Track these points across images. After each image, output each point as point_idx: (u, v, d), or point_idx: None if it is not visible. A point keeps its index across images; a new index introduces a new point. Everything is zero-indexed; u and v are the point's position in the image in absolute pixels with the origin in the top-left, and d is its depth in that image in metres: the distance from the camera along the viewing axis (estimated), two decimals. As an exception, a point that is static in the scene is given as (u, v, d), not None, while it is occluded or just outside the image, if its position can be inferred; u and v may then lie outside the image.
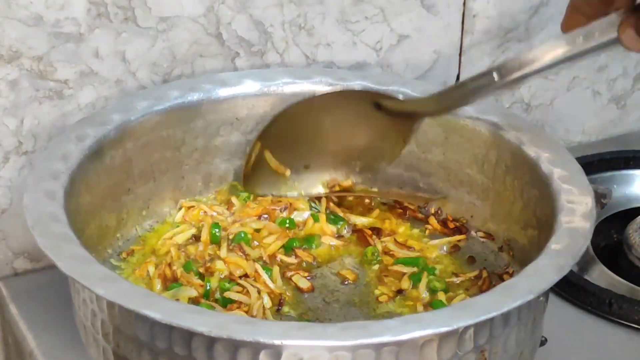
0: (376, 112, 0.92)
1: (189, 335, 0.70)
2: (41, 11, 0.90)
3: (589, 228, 0.78)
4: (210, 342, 0.70)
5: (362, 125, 0.94)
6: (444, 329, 0.69)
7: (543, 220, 0.83)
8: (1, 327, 0.97)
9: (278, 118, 0.94)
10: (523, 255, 0.88)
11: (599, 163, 1.09)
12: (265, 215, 0.94)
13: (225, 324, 0.69)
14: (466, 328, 0.71)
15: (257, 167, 0.96)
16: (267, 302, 0.84)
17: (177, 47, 0.97)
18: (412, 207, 0.97)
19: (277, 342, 0.68)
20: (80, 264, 0.74)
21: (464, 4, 1.07)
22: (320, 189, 0.97)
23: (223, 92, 0.95)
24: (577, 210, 0.80)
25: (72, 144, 0.86)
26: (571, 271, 0.95)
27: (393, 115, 0.92)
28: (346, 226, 0.94)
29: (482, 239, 0.93)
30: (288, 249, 0.91)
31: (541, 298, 0.78)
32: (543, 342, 0.84)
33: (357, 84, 0.96)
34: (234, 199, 0.96)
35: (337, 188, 0.97)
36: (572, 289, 0.94)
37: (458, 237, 0.93)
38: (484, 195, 0.93)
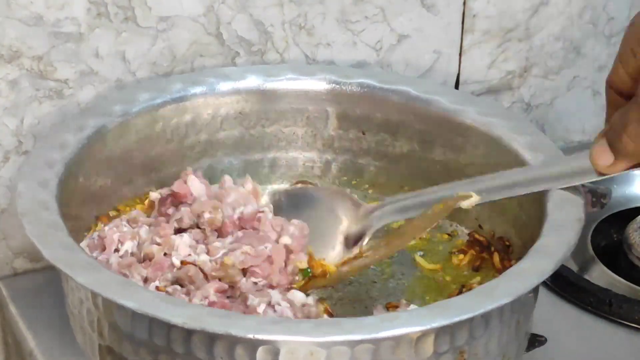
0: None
1: (167, 327, 0.71)
2: (41, 11, 0.90)
3: (575, 233, 0.78)
4: (187, 334, 0.70)
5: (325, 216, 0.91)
6: (418, 329, 0.70)
7: (535, 222, 0.83)
8: (1, 327, 0.97)
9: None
10: (520, 257, 0.88)
11: (599, 163, 1.09)
12: None
13: (200, 316, 0.69)
14: (443, 328, 0.71)
15: None
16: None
17: (177, 46, 0.97)
18: None
19: (249, 335, 0.68)
20: (65, 252, 0.74)
21: (464, 3, 1.07)
22: None
23: (226, 86, 0.95)
24: (565, 215, 0.80)
25: (70, 133, 0.86)
26: (571, 271, 0.95)
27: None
28: None
29: (480, 238, 0.93)
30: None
31: (527, 299, 0.78)
32: (543, 342, 0.84)
33: (359, 81, 0.96)
34: None
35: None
36: (572, 288, 0.94)
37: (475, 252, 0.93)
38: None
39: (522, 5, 1.09)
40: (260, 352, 0.70)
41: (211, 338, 0.70)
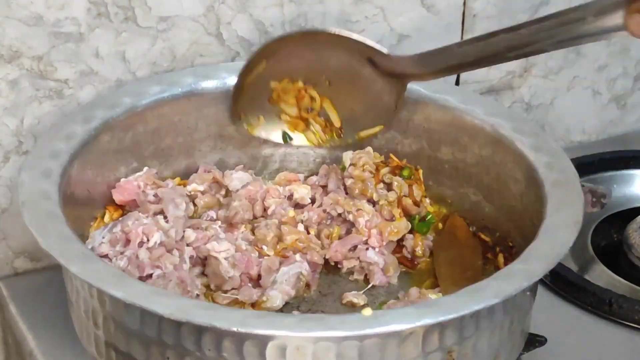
0: (369, 68, 0.91)
1: (157, 318, 0.71)
2: (41, 11, 0.90)
3: (569, 236, 0.78)
4: (177, 325, 0.71)
5: (357, 79, 0.92)
6: (404, 326, 0.70)
7: (537, 225, 0.82)
8: (1, 327, 0.97)
9: (279, 44, 0.92)
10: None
11: (599, 163, 1.09)
12: None
13: (187, 308, 0.69)
14: (430, 327, 0.71)
15: (252, 93, 0.94)
16: None
17: (177, 46, 0.97)
18: None
19: (234, 329, 0.68)
20: (62, 241, 0.75)
21: (464, 3, 1.07)
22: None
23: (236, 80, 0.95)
24: (562, 218, 0.80)
25: (78, 124, 0.87)
26: (571, 271, 0.95)
27: (385, 74, 0.91)
28: None
29: (485, 239, 0.93)
30: None
31: (523, 299, 0.78)
32: (543, 342, 0.84)
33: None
34: None
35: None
36: (572, 288, 0.94)
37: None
38: (488, 197, 0.93)
39: (522, 6, 1.09)
40: (247, 345, 0.70)
41: (199, 330, 0.71)
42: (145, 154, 0.92)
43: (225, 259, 0.85)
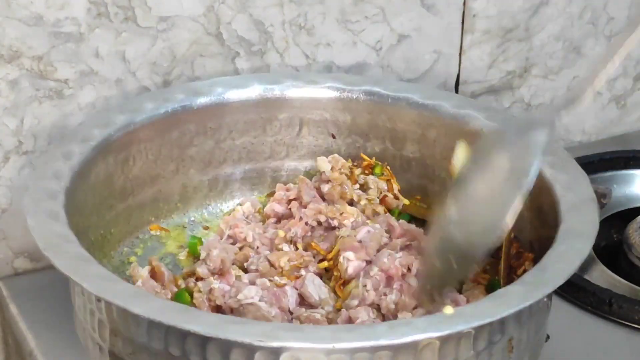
0: None
1: (183, 335, 0.70)
2: (41, 11, 0.90)
3: (588, 242, 0.78)
4: (203, 341, 0.70)
5: None
6: (420, 336, 0.69)
7: (550, 228, 0.82)
8: (1, 327, 0.97)
9: None
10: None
11: (599, 163, 1.09)
12: None
13: (219, 324, 0.69)
14: (448, 337, 0.71)
15: None
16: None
17: (177, 46, 0.97)
18: None
19: (258, 342, 0.68)
20: (79, 264, 0.74)
21: (464, 3, 1.07)
22: None
23: (231, 95, 0.94)
24: (578, 223, 0.80)
25: (75, 144, 0.85)
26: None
27: None
28: None
29: None
30: None
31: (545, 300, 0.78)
32: (546, 339, 0.84)
33: (364, 89, 0.96)
34: None
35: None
36: (572, 289, 0.94)
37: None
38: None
39: (522, 5, 1.09)
40: (258, 356, 0.69)
41: (228, 346, 0.70)
42: (136, 172, 0.91)
43: (261, 300, 0.82)
